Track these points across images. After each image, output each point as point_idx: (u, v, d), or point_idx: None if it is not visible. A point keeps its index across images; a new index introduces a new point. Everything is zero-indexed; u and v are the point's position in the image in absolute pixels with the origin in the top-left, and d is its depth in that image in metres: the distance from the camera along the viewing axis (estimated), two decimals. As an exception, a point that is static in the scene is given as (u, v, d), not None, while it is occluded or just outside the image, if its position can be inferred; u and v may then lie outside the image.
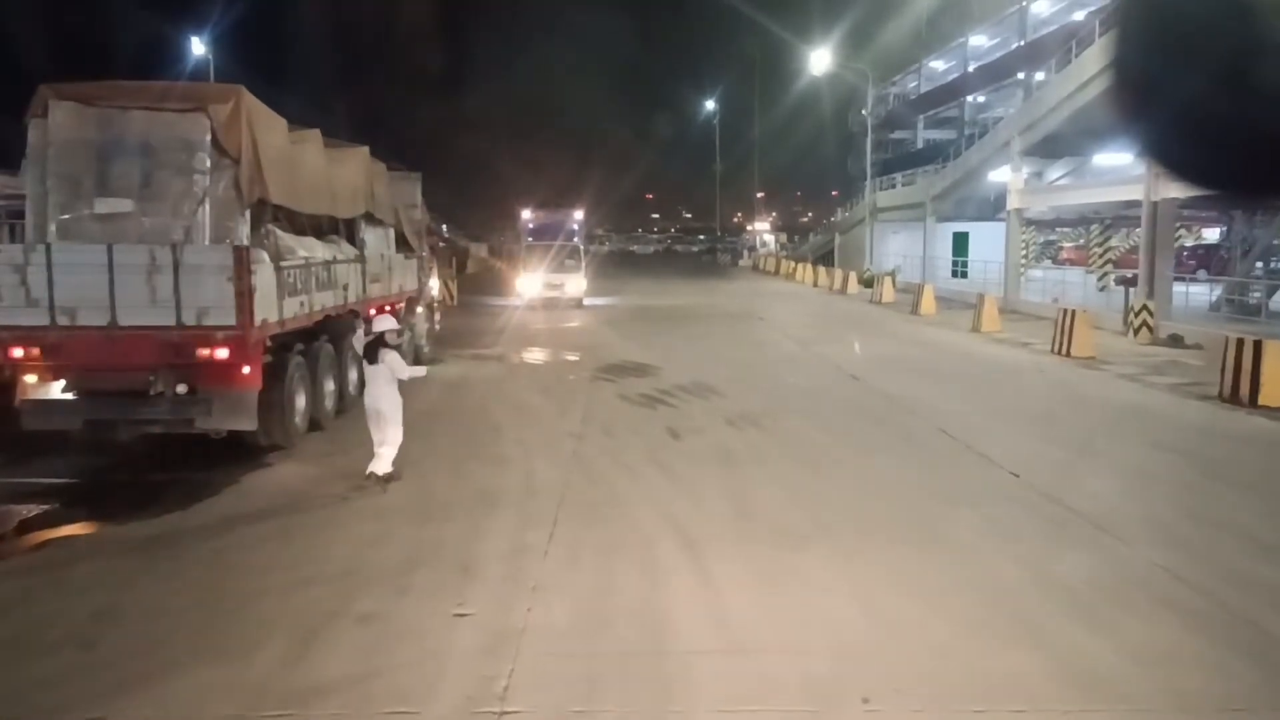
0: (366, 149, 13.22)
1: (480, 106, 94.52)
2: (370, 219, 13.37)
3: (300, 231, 10.98)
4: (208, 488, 8.14)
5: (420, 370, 9.44)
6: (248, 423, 9.09)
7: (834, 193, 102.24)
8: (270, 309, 9.38)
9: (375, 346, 8.37)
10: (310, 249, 10.93)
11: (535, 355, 17.54)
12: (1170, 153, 0.97)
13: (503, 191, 60.79)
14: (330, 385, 11.20)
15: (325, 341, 11.35)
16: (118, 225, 8.98)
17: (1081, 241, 49.43)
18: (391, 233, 14.89)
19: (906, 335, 20.39)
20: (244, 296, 8.87)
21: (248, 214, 9.24)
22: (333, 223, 12.45)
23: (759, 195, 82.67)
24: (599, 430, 10.50)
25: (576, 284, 28.17)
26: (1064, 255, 49.54)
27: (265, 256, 9.55)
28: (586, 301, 28.31)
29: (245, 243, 9.02)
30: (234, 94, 9.29)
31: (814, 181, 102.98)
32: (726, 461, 9.06)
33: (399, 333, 9.29)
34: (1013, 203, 25.14)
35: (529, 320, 24.26)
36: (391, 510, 7.42)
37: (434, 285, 18.28)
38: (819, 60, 41.11)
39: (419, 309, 16.32)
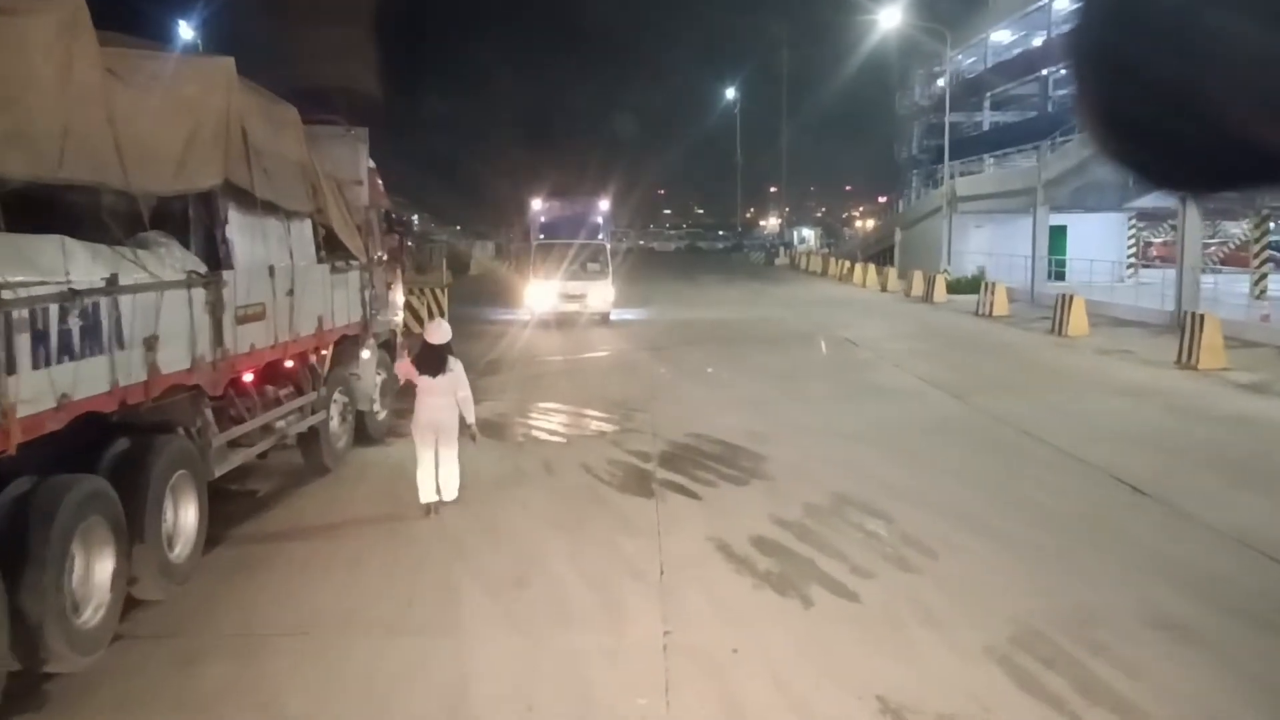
0: (231, 61, 6.83)
1: (481, 96, 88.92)
2: (242, 198, 7.07)
3: (37, 224, 4.71)
4: None
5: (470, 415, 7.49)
6: None
7: (847, 187, 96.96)
8: None
9: (439, 356, 7.46)
10: (33, 264, 4.66)
11: (550, 422, 11.15)
12: (1136, 155, 0.90)
13: (512, 184, 55.45)
14: (104, 575, 4.95)
15: (96, 476, 5.13)
16: None
17: (1170, 238, 43.20)
18: (307, 226, 8.62)
19: (1093, 377, 13.90)
20: None
21: None
22: (161, 209, 6.25)
23: (772, 190, 77.52)
24: None
25: (601, 294, 21.58)
26: (1154, 252, 43.32)
27: None
28: (614, 315, 21.96)
29: None
30: None
31: (827, 176, 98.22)
32: None
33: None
34: (1190, 186, 18.66)
35: (540, 346, 17.90)
36: None
37: (398, 305, 11.90)
38: (889, 19, 34.50)
39: (365, 352, 9.93)
